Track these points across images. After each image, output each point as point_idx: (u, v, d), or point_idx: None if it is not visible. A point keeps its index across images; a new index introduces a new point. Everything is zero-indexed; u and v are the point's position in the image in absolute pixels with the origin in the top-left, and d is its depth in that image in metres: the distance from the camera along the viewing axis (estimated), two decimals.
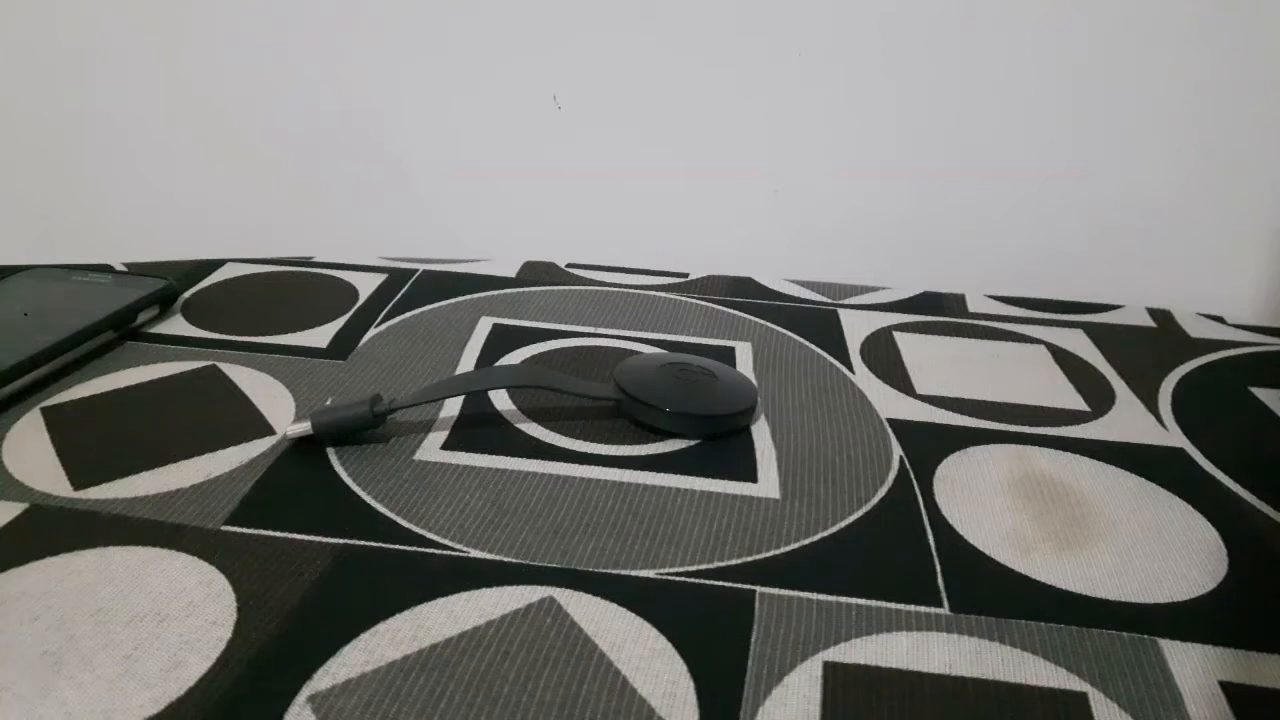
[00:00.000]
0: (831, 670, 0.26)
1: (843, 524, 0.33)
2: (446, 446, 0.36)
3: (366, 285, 0.51)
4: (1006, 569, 0.31)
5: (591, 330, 0.48)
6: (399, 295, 0.50)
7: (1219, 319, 0.55)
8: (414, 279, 0.53)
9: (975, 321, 0.52)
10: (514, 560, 0.30)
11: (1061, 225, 0.56)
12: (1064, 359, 0.47)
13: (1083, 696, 0.26)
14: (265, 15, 0.55)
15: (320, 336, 0.45)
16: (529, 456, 0.36)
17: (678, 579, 0.30)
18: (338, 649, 0.26)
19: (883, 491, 0.35)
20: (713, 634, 0.27)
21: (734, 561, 0.31)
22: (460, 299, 0.50)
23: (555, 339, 0.46)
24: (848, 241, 0.58)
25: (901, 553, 0.32)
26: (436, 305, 0.49)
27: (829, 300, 0.54)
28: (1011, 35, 0.53)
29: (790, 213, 0.58)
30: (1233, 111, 0.53)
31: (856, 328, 0.50)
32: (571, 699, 0.25)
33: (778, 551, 0.31)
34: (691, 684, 0.26)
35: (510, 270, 0.55)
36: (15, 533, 0.30)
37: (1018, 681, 0.26)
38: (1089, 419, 0.41)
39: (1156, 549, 0.33)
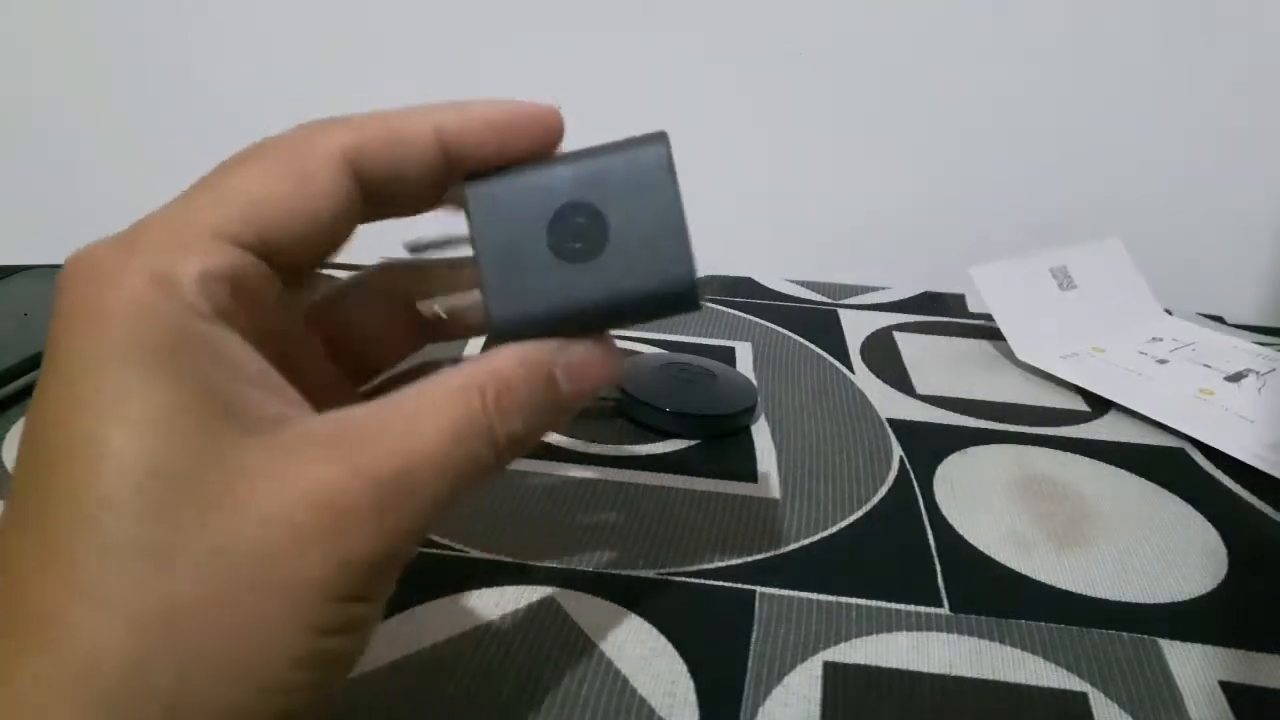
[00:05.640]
0: (831, 670, 0.26)
1: (843, 524, 0.33)
2: None
3: None
4: (1006, 569, 0.31)
5: None
6: None
7: (1219, 319, 0.55)
8: None
9: (975, 321, 0.52)
10: (514, 560, 0.30)
11: (1062, 225, 0.56)
12: None
13: (1083, 696, 0.26)
14: (268, 18, 0.55)
15: None
16: (529, 456, 0.36)
17: (678, 579, 0.30)
18: None
19: (883, 491, 0.35)
20: (713, 634, 0.27)
21: (734, 561, 0.31)
22: None
23: None
24: (847, 241, 0.58)
25: (901, 553, 0.32)
26: None
27: (829, 300, 0.54)
28: (1009, 34, 0.53)
29: (790, 213, 0.58)
30: (1233, 111, 0.53)
31: (856, 328, 0.50)
32: (571, 699, 0.25)
33: (778, 551, 0.31)
34: (691, 684, 0.26)
35: None
36: None
37: (1018, 681, 0.26)
38: (1089, 419, 0.41)
39: (1156, 549, 0.33)
